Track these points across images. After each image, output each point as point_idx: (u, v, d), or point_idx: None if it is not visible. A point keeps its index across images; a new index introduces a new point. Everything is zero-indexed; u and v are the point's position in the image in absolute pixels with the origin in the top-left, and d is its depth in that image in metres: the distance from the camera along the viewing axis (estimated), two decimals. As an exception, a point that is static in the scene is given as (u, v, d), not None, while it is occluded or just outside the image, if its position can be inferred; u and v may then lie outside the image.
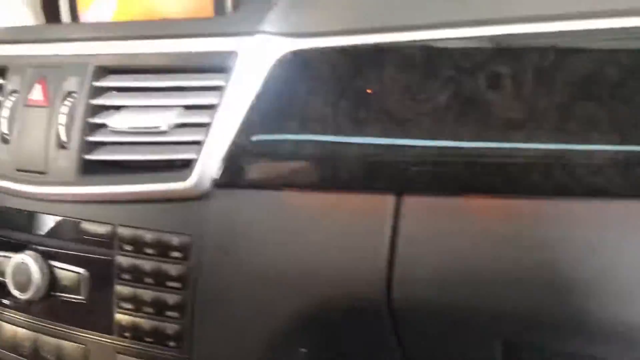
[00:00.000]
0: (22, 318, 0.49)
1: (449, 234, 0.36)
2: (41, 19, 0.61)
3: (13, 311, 0.50)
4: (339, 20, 0.38)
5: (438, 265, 0.36)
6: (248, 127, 0.40)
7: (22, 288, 0.48)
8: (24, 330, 0.50)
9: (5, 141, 0.48)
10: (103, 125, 0.45)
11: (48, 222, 0.48)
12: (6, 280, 0.48)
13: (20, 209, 0.49)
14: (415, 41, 0.36)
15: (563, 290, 0.34)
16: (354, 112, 0.38)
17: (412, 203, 0.36)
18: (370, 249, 0.37)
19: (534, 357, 0.39)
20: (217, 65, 0.41)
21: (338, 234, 0.39)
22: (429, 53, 0.36)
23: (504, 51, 0.35)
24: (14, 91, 0.48)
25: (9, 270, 0.48)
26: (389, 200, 0.37)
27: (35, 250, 0.48)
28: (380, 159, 0.37)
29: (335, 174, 0.38)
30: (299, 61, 0.39)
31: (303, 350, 0.42)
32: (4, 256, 0.49)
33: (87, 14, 0.59)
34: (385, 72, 0.36)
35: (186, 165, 0.42)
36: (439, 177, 0.35)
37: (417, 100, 0.36)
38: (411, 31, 0.36)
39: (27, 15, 0.61)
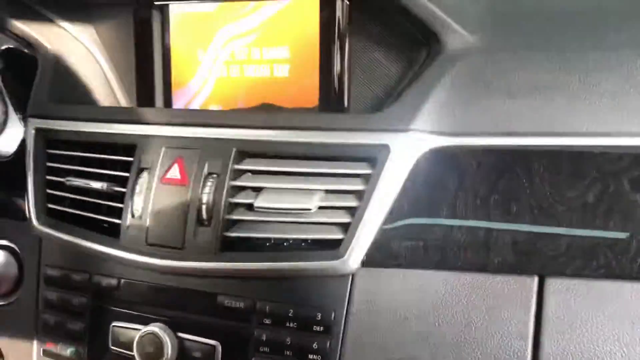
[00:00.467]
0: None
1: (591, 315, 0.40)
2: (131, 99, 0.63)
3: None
4: (480, 123, 0.43)
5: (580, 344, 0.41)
6: (396, 211, 0.44)
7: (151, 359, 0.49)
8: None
9: (136, 216, 0.51)
10: (241, 205, 0.48)
11: (178, 295, 0.50)
12: (134, 353, 0.50)
13: (146, 282, 0.51)
14: (560, 146, 0.41)
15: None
16: (488, 202, 0.42)
17: (555, 284, 0.41)
18: (515, 328, 0.42)
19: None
20: (368, 156, 0.45)
21: (483, 313, 0.43)
22: (571, 156, 0.41)
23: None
24: (144, 169, 0.51)
25: (136, 342, 0.50)
26: (533, 282, 0.42)
27: (164, 322, 0.50)
28: (525, 246, 0.42)
29: (481, 257, 0.43)
30: (444, 156, 0.44)
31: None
32: (133, 328, 0.51)
33: (179, 97, 0.61)
34: (526, 172, 0.42)
35: (328, 244, 0.46)
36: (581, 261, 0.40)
37: (558, 198, 0.41)
38: (557, 137, 0.41)
39: (121, 98, 0.63)
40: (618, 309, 0.40)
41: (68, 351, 0.55)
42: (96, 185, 0.53)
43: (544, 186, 0.42)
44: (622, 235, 0.40)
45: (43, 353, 0.57)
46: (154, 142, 0.52)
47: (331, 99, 0.52)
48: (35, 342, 0.57)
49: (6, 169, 0.60)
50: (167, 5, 0.57)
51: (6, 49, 0.65)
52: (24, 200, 0.58)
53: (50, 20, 0.61)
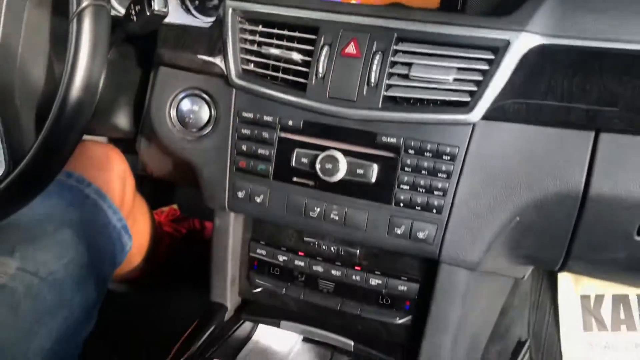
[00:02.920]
0: (320, 192, 0.77)
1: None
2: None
3: (316, 190, 0.77)
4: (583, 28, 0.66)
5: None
6: (509, 85, 0.68)
7: (328, 174, 0.75)
8: (317, 201, 0.77)
9: (319, 77, 0.74)
10: (398, 74, 0.71)
11: (348, 133, 0.75)
12: (315, 169, 0.75)
13: (324, 123, 0.75)
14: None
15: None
16: (572, 88, 0.67)
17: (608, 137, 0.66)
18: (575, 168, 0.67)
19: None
20: (493, 46, 0.68)
21: (553, 155, 0.68)
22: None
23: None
24: (326, 44, 0.73)
25: (318, 161, 0.75)
26: (591, 134, 0.67)
27: (338, 149, 0.75)
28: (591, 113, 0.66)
29: (561, 118, 0.67)
30: (547, 51, 0.67)
31: (517, 219, 0.72)
32: (314, 152, 0.76)
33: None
34: (598, 68, 0.65)
35: (459, 104, 0.70)
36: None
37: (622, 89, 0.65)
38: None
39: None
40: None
41: (258, 168, 0.80)
42: (292, 54, 0.75)
43: (610, 79, 0.65)
44: None
45: (235, 170, 0.82)
46: (334, 26, 0.73)
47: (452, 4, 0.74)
48: (228, 162, 0.82)
49: (206, 35, 0.82)
50: None
51: None
52: (222, 61, 0.80)
53: None
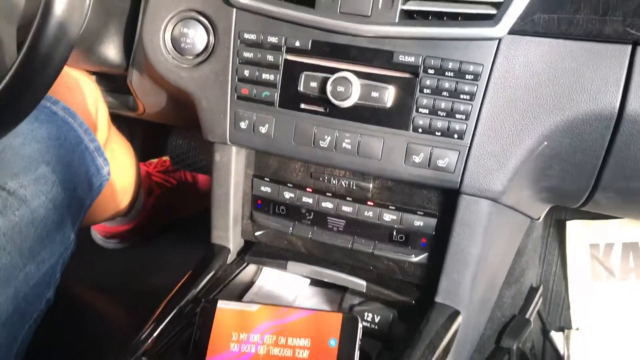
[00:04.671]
0: (331, 119, 0.71)
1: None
2: None
3: (327, 117, 0.71)
4: None
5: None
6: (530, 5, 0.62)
7: (340, 97, 0.69)
8: (328, 129, 0.72)
9: (331, -11, 0.67)
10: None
11: (362, 52, 0.68)
12: (326, 93, 0.69)
13: (336, 42, 0.69)
14: None
15: None
16: None
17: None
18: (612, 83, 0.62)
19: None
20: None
21: (590, 70, 0.63)
22: None
23: None
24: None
25: (329, 84, 0.69)
26: (629, 47, 0.61)
27: (350, 71, 0.69)
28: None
29: (596, 28, 0.62)
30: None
31: (545, 143, 0.67)
32: (324, 75, 0.70)
33: None
34: None
35: (483, 17, 0.64)
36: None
37: None
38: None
39: None
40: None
41: (262, 94, 0.73)
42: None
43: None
44: None
45: (237, 98, 0.75)
46: None
47: None
48: (229, 89, 0.75)
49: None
50: None
51: None
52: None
53: None
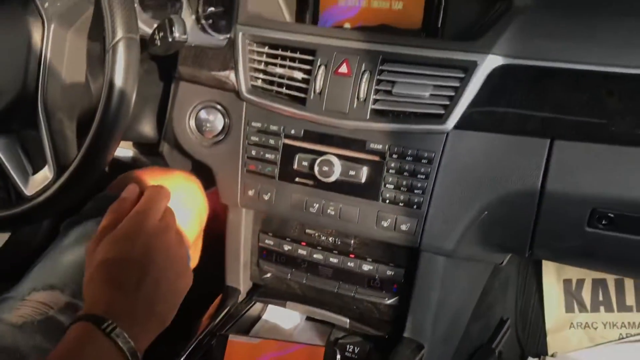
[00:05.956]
0: (318, 191, 0.90)
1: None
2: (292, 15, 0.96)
3: (315, 189, 0.90)
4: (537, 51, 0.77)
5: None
6: (477, 99, 0.80)
7: (325, 175, 0.87)
8: (316, 198, 0.90)
9: (316, 93, 0.86)
10: (383, 90, 0.84)
11: (341, 140, 0.87)
12: (314, 171, 0.88)
13: (321, 132, 0.88)
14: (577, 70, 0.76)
15: None
16: (529, 99, 0.78)
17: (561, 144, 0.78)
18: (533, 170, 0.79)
19: None
20: (463, 66, 0.79)
21: (516, 158, 0.80)
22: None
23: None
24: (322, 65, 0.86)
25: (317, 164, 0.87)
26: (547, 142, 0.79)
27: (333, 154, 0.88)
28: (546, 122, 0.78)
29: (520, 126, 0.79)
30: (508, 70, 0.79)
31: (486, 213, 0.84)
32: (313, 157, 0.88)
33: (326, 17, 0.94)
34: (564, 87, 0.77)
35: (434, 116, 0.82)
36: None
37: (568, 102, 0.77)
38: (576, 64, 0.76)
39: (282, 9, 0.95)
40: (612, 163, 0.76)
41: (266, 170, 0.93)
42: (294, 73, 0.87)
43: (562, 93, 0.77)
44: (614, 120, 0.75)
45: (246, 171, 0.95)
46: (329, 49, 0.86)
47: (431, 27, 0.86)
48: (240, 164, 0.95)
49: (220, 55, 0.95)
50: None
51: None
52: (234, 77, 0.93)
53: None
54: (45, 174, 0.83)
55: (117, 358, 0.59)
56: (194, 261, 0.97)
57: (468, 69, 0.79)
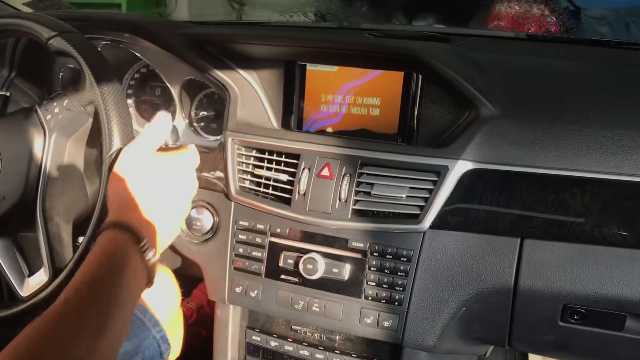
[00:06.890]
0: (303, 288, 0.93)
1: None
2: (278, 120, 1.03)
3: (300, 286, 0.93)
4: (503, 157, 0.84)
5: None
6: (450, 200, 0.85)
7: (309, 273, 0.91)
8: (301, 295, 0.93)
9: (301, 194, 0.91)
10: (363, 192, 0.89)
11: (325, 239, 0.92)
12: (299, 269, 0.92)
13: (305, 230, 0.93)
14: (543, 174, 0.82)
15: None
16: (499, 199, 0.84)
17: (531, 243, 0.83)
18: (505, 267, 0.84)
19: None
20: (436, 170, 0.85)
21: (488, 256, 0.85)
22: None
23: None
24: (306, 168, 0.92)
25: (301, 262, 0.91)
26: (517, 241, 0.84)
27: (317, 252, 0.92)
28: (516, 222, 0.83)
29: (491, 226, 0.84)
30: (478, 173, 0.85)
31: (464, 309, 0.87)
32: (298, 255, 0.93)
33: (310, 122, 1.01)
34: (529, 189, 0.83)
35: (411, 216, 0.87)
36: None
37: (536, 202, 0.82)
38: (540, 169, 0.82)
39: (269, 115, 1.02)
40: (580, 261, 0.81)
41: (252, 267, 0.96)
42: (279, 175, 0.93)
43: (528, 195, 0.83)
44: (579, 219, 0.81)
45: (234, 269, 0.98)
46: (312, 154, 0.92)
47: (406, 133, 0.93)
48: (228, 262, 0.99)
49: (210, 158, 1.00)
50: (305, 65, 0.97)
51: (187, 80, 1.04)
52: (224, 179, 0.98)
53: (232, 69, 1.00)
54: (41, 277, 0.86)
55: (143, 272, 0.71)
56: (175, 351, 0.99)
57: (440, 172, 0.85)
